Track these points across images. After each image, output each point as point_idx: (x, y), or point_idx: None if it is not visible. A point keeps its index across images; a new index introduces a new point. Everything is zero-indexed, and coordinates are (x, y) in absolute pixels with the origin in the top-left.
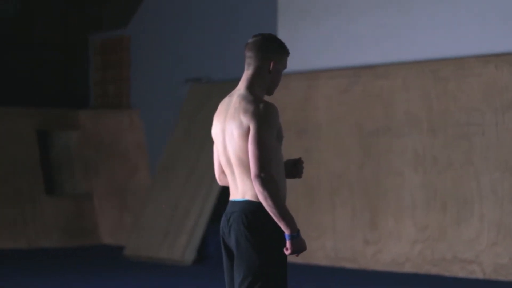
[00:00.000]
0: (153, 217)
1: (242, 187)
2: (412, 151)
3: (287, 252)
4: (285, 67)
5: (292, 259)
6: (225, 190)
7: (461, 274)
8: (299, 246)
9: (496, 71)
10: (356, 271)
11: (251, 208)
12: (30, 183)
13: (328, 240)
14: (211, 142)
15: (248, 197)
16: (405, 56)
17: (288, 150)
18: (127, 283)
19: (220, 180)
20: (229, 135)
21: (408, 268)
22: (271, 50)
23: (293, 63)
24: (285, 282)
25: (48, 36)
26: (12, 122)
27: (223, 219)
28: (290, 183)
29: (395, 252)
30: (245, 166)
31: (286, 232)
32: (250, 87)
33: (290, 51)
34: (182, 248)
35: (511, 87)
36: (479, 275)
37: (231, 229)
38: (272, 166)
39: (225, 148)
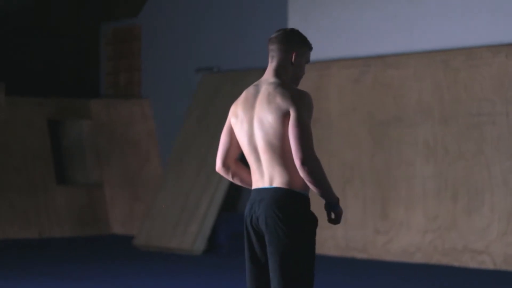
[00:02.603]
0: (164, 207)
1: (270, 174)
2: (423, 141)
3: (333, 222)
4: (307, 60)
5: None
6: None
7: (472, 264)
8: (341, 212)
9: (507, 60)
10: (366, 261)
11: (282, 195)
12: (42, 173)
13: (339, 230)
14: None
15: (276, 184)
16: (416, 46)
17: None
18: (138, 273)
19: (225, 168)
20: (259, 121)
21: (418, 258)
22: (293, 43)
23: None
24: (313, 266)
25: (60, 25)
26: (24, 112)
27: (249, 207)
28: None
29: (406, 242)
30: (276, 152)
31: (332, 201)
32: (278, 76)
33: None
34: (193, 237)
35: None
36: (489, 265)
37: (261, 217)
38: (314, 149)
39: (252, 134)
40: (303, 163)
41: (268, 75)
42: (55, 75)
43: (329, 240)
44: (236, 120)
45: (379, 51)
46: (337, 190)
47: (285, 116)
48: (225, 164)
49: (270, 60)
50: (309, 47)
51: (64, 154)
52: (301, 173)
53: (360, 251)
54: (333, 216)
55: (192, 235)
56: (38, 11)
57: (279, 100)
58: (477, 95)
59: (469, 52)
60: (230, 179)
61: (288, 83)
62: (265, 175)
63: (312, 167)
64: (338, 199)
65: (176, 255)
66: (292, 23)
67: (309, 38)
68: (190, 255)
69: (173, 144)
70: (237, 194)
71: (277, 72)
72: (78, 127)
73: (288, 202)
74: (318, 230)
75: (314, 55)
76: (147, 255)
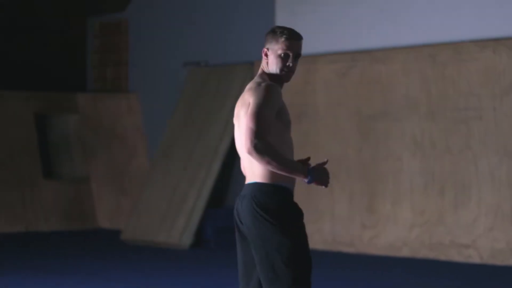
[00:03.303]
0: (151, 201)
1: (252, 169)
2: (410, 136)
3: (321, 185)
4: (282, 50)
5: None
6: (224, 174)
7: (458, 258)
8: (322, 175)
9: (494, 55)
10: (353, 255)
11: (259, 189)
12: (28, 167)
13: (326, 224)
14: (210, 125)
15: (256, 178)
16: (403, 40)
17: None
18: (125, 267)
19: (243, 169)
20: (238, 119)
21: (405, 253)
22: (266, 41)
23: None
24: (306, 251)
25: (48, 19)
26: (10, 106)
27: (236, 202)
28: None
29: (393, 237)
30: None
31: (304, 178)
32: (260, 75)
33: None
34: (180, 232)
35: (508, 71)
36: (476, 259)
37: (242, 214)
38: (269, 138)
39: (237, 134)
40: (249, 152)
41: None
42: (42, 69)
43: (316, 234)
44: (235, 118)
45: (366, 46)
46: None
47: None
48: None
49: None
50: (279, 35)
51: (51, 148)
52: (259, 163)
53: (347, 245)
54: (315, 183)
55: (179, 229)
56: (25, 5)
57: (246, 96)
58: (464, 89)
59: (456, 47)
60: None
61: (264, 78)
62: (249, 171)
63: (260, 153)
64: (306, 174)
65: (163, 250)
66: (280, 18)
67: None
68: (177, 249)
69: (160, 139)
70: (224, 189)
71: (260, 71)
72: (65, 121)
73: (265, 196)
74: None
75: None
76: (134, 249)
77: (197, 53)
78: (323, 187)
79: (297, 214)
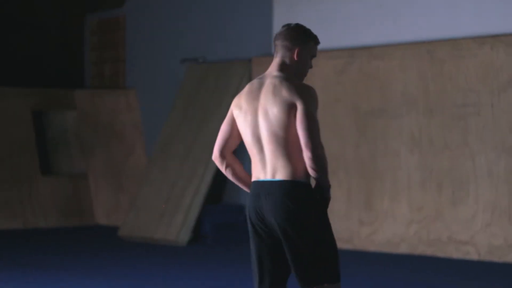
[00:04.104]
0: (149, 198)
1: (273, 165)
2: (408, 132)
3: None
4: (313, 55)
5: None
6: (221, 171)
7: (456, 255)
8: (329, 200)
9: (492, 52)
10: (351, 252)
11: (290, 188)
12: (26, 164)
13: None
14: (208, 122)
15: (280, 176)
16: (401, 37)
17: None
18: (122, 264)
19: (221, 158)
20: (264, 112)
21: (403, 249)
22: (297, 40)
23: None
24: (335, 246)
25: (46, 16)
26: (8, 102)
27: (252, 200)
28: None
29: (391, 233)
30: (279, 143)
31: (325, 186)
32: (282, 71)
33: None
34: (178, 228)
35: (506, 68)
36: (474, 256)
37: (272, 212)
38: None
39: (256, 126)
40: (313, 152)
41: (272, 69)
42: (40, 65)
43: None
44: (240, 111)
45: (364, 42)
46: None
47: (290, 109)
48: (222, 154)
49: (275, 55)
50: (314, 42)
51: (49, 144)
52: (309, 161)
53: (345, 242)
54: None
55: (177, 226)
56: (24, 2)
57: (285, 93)
58: (462, 86)
59: (454, 43)
60: (223, 169)
61: (292, 77)
62: (267, 166)
63: (320, 155)
64: (330, 186)
65: (161, 246)
66: (278, 14)
67: None
68: (175, 245)
69: (158, 135)
70: (222, 185)
71: (281, 67)
72: (63, 118)
73: (298, 194)
74: None
75: None
76: (131, 246)
77: (195, 50)
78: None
79: (324, 206)
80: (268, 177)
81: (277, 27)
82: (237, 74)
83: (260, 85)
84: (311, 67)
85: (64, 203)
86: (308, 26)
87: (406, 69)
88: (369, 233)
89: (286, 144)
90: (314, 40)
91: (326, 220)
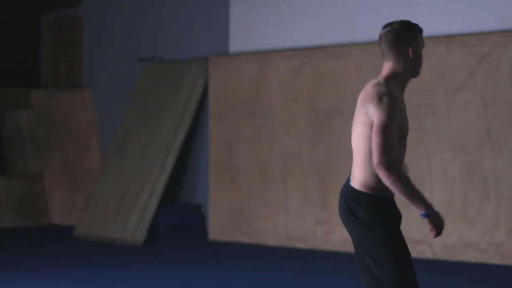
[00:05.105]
0: (104, 197)
1: (354, 173)
2: None
3: (432, 233)
4: (423, 45)
5: (243, 238)
6: (177, 170)
7: (412, 254)
8: (436, 221)
9: (447, 52)
10: (306, 251)
11: (351, 193)
12: None
13: (280, 220)
14: (164, 121)
15: (355, 184)
16: (357, 37)
17: (240, 130)
18: (78, 263)
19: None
20: (355, 121)
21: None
22: (407, 40)
23: (246, 43)
24: (402, 260)
25: (0, 14)
26: None
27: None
28: (241, 162)
29: (346, 232)
30: (360, 154)
31: (421, 211)
32: (386, 77)
33: (243, 31)
34: (133, 228)
35: (462, 68)
36: (429, 255)
37: (339, 209)
38: (395, 154)
39: (352, 131)
40: (377, 167)
41: (380, 75)
42: None
43: (270, 230)
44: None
45: (320, 42)
46: (277, 180)
47: (368, 122)
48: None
49: (384, 59)
50: (420, 31)
51: (4, 144)
52: (382, 178)
53: (300, 241)
54: (428, 224)
55: (132, 225)
56: None
57: (367, 105)
58: (418, 86)
59: None
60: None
61: (389, 85)
62: (352, 171)
63: (388, 171)
64: (427, 207)
65: (117, 246)
66: (234, 13)
67: (250, 28)
68: (130, 245)
69: (114, 134)
70: (177, 185)
71: (388, 73)
72: (18, 117)
73: (357, 204)
74: (258, 220)
75: (255, 45)
76: (87, 245)
77: (152, 49)
78: (432, 233)
79: (388, 223)
80: (350, 180)
81: (233, 26)
82: (193, 73)
83: (364, 91)
84: (422, 58)
85: (19, 203)
86: (264, 25)
87: (362, 69)
88: (325, 232)
89: (362, 154)
90: (420, 31)
91: (384, 239)
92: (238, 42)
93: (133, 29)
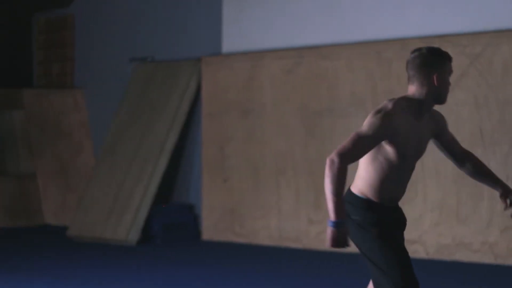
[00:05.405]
0: (97, 197)
1: (355, 180)
2: None
3: (329, 240)
4: (451, 73)
5: (236, 238)
6: (170, 171)
7: None
8: (335, 236)
9: None
10: (300, 251)
11: (350, 199)
12: None
13: (273, 220)
14: (156, 121)
15: (353, 189)
16: (349, 37)
17: (233, 130)
18: (71, 264)
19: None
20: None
21: (351, 248)
22: (433, 66)
23: (238, 43)
24: (398, 261)
25: None
26: None
27: None
28: (234, 162)
29: None
30: (362, 163)
31: (330, 218)
32: (402, 97)
33: (235, 31)
34: (127, 228)
35: (454, 68)
36: (422, 255)
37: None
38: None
39: None
40: (328, 161)
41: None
42: None
43: (262, 230)
44: None
45: (313, 42)
46: (270, 180)
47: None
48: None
49: (408, 82)
50: (449, 59)
51: None
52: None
53: (293, 241)
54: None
55: (126, 225)
56: None
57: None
58: None
59: (402, 43)
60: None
61: (398, 101)
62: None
63: (329, 169)
64: (336, 219)
65: (110, 246)
66: (227, 13)
67: (242, 28)
68: (124, 245)
69: (107, 135)
70: (170, 185)
71: (409, 93)
72: (10, 117)
73: (351, 207)
74: (251, 220)
75: (247, 45)
76: (81, 245)
77: (144, 49)
78: (327, 243)
79: (379, 223)
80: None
81: (226, 27)
82: (185, 73)
83: None
84: (449, 84)
85: (12, 204)
86: (256, 25)
87: (354, 69)
88: (318, 232)
89: (363, 163)
90: (448, 59)
91: (375, 241)
92: (231, 42)
93: (125, 29)
